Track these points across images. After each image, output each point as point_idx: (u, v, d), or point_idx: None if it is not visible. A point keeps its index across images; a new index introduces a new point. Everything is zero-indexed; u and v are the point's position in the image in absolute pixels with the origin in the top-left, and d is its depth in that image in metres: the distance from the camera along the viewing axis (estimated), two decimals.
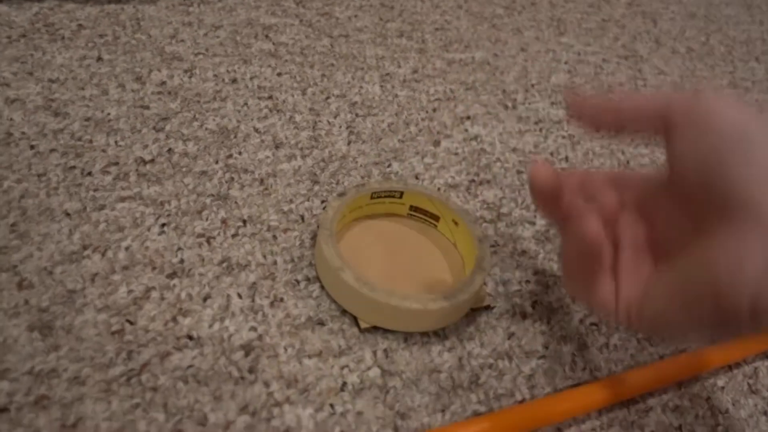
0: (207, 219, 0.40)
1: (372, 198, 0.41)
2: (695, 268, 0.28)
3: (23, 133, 0.43)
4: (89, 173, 0.41)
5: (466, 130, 0.53)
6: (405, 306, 0.34)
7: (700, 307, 0.28)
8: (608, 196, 0.35)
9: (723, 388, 0.38)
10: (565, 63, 0.65)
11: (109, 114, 0.46)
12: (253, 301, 0.36)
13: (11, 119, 0.44)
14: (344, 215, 0.39)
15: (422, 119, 0.53)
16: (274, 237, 0.40)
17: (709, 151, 0.28)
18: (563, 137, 0.55)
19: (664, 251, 0.32)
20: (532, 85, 0.60)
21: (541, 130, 0.55)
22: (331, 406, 0.32)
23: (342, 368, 0.34)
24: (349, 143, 0.48)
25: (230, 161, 0.44)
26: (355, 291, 0.34)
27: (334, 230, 0.37)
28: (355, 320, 0.36)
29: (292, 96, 0.51)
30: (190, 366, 0.33)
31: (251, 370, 0.33)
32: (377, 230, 0.41)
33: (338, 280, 0.35)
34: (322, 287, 0.37)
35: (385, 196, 0.41)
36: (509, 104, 0.57)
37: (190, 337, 0.34)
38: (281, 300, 0.37)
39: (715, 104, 0.28)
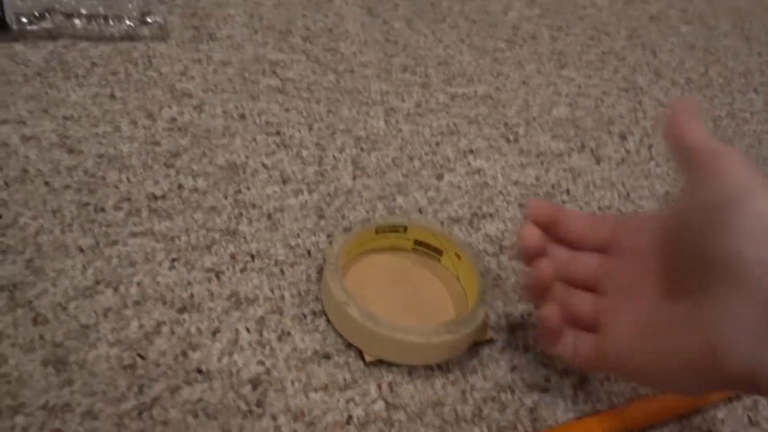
0: (216, 254, 0.41)
1: (377, 233, 0.42)
2: (684, 332, 0.28)
3: (38, 170, 0.44)
4: (102, 209, 0.42)
5: (469, 164, 0.54)
6: (409, 339, 0.35)
7: (691, 368, 0.28)
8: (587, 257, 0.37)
9: (723, 420, 0.39)
10: (566, 96, 0.66)
11: (121, 150, 0.47)
12: (261, 335, 0.37)
13: (27, 156, 0.45)
14: (349, 250, 0.40)
15: (426, 153, 0.54)
16: (282, 271, 0.41)
17: (707, 202, 0.29)
18: (564, 170, 0.56)
19: (650, 297, 0.33)
20: (534, 119, 0.61)
21: (542, 163, 0.56)
22: None
23: (348, 401, 0.35)
24: (354, 178, 0.49)
25: (239, 197, 0.45)
26: (360, 325, 0.35)
27: (339, 265, 0.38)
28: (360, 353, 0.37)
29: (299, 131, 0.53)
30: (200, 400, 0.33)
31: (259, 404, 0.34)
32: (382, 264, 0.42)
33: (343, 314, 0.36)
34: (328, 321, 0.38)
35: (390, 231, 0.42)
36: (511, 137, 0.58)
37: (200, 371, 0.35)
38: (288, 334, 0.38)
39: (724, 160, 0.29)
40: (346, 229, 0.40)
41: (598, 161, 0.58)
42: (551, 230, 0.37)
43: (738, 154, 0.29)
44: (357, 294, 0.39)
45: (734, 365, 0.26)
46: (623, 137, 0.62)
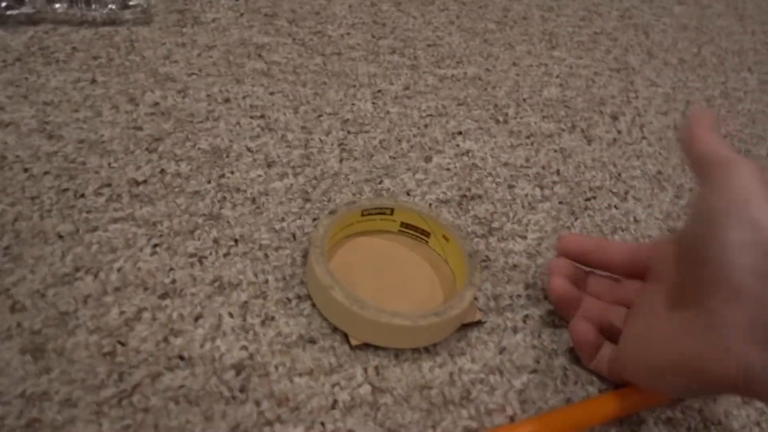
0: (199, 239, 0.40)
1: (363, 215, 0.41)
2: (684, 340, 0.29)
3: (17, 156, 0.43)
4: (82, 195, 0.41)
5: (458, 146, 0.53)
6: (395, 323, 0.34)
7: (690, 374, 0.29)
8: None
9: (715, 399, 0.38)
10: (557, 77, 0.66)
11: (102, 136, 0.46)
12: (244, 320, 0.36)
13: (5, 142, 0.44)
14: (335, 233, 0.40)
15: (414, 135, 0.53)
16: (266, 256, 0.40)
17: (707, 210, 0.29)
18: (555, 151, 0.55)
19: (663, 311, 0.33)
20: (524, 100, 0.61)
21: (532, 144, 0.55)
22: (322, 424, 0.33)
23: (333, 386, 0.34)
24: (341, 161, 0.49)
25: (222, 181, 0.45)
26: (345, 308, 0.35)
27: (325, 248, 0.37)
28: (346, 337, 0.36)
29: (285, 115, 0.52)
30: (182, 386, 0.33)
31: (242, 390, 0.33)
32: (368, 247, 0.42)
33: (329, 298, 0.35)
34: (313, 305, 0.38)
35: (376, 214, 0.41)
36: (501, 119, 0.57)
37: (182, 358, 0.34)
38: (272, 318, 0.37)
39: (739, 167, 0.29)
40: (332, 212, 0.40)
41: (589, 142, 0.57)
42: (587, 259, 0.40)
43: (750, 165, 0.29)
44: (343, 277, 0.39)
45: (729, 371, 0.27)
46: (615, 117, 0.61)
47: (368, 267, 0.40)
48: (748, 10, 0.92)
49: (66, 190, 0.42)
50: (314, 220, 0.43)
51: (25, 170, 0.42)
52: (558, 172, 0.53)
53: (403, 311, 0.35)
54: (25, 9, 0.56)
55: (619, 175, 0.54)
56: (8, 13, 0.55)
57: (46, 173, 0.42)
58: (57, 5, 0.56)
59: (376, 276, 0.40)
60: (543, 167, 0.53)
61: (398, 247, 0.42)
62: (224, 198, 0.43)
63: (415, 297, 0.39)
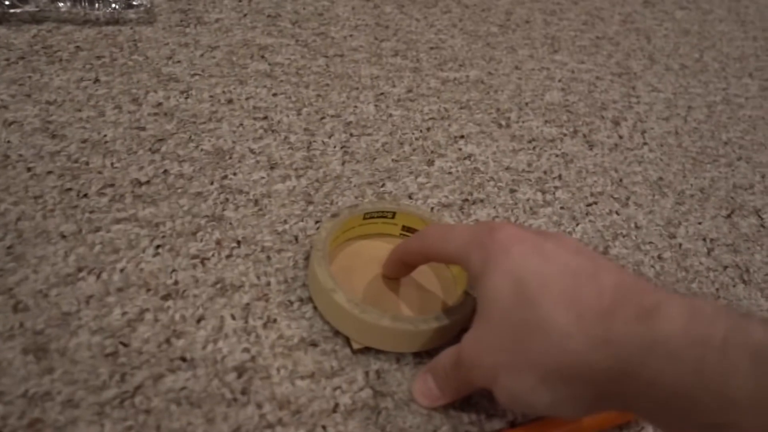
0: (201, 240, 0.40)
1: (364, 219, 0.41)
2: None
3: (20, 155, 0.43)
4: (85, 195, 0.42)
5: (460, 149, 0.53)
6: (396, 327, 0.34)
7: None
8: None
9: None
10: (559, 81, 0.66)
11: (105, 136, 0.46)
12: (246, 322, 0.37)
13: (9, 141, 0.44)
14: (337, 236, 0.40)
15: (416, 138, 0.53)
16: (268, 258, 0.40)
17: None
18: (556, 155, 0.55)
19: None
20: (526, 104, 0.61)
21: (534, 148, 0.55)
22: (323, 427, 0.33)
23: (334, 389, 0.34)
24: (343, 163, 0.49)
25: (225, 182, 0.45)
26: (346, 312, 0.35)
27: (326, 251, 0.37)
28: (347, 341, 0.36)
29: (287, 116, 0.52)
30: (183, 388, 0.33)
31: (244, 392, 0.33)
32: (370, 251, 0.42)
33: (330, 302, 0.35)
34: (315, 308, 0.38)
35: (378, 217, 0.41)
36: (503, 123, 0.57)
37: (184, 359, 0.34)
38: (274, 321, 0.37)
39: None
40: (334, 215, 0.40)
41: (591, 147, 0.57)
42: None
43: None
44: (344, 281, 0.39)
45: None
46: (616, 123, 0.61)
47: (370, 270, 0.40)
48: (750, 15, 0.92)
49: (69, 189, 0.42)
50: (316, 222, 0.43)
51: (29, 169, 0.42)
52: (560, 176, 0.53)
53: (405, 315, 0.35)
54: (29, 7, 0.56)
55: (621, 180, 0.54)
56: (12, 11, 0.55)
57: (49, 173, 0.42)
58: (60, 4, 0.56)
59: (377, 279, 0.40)
60: (545, 172, 0.53)
61: None
62: (227, 199, 0.43)
63: (416, 301, 0.39)
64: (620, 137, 0.60)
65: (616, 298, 0.27)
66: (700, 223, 0.52)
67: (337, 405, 0.34)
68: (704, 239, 0.51)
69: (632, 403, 0.26)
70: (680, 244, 0.49)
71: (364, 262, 0.41)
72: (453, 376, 0.33)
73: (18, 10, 0.55)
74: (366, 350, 0.36)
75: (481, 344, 0.31)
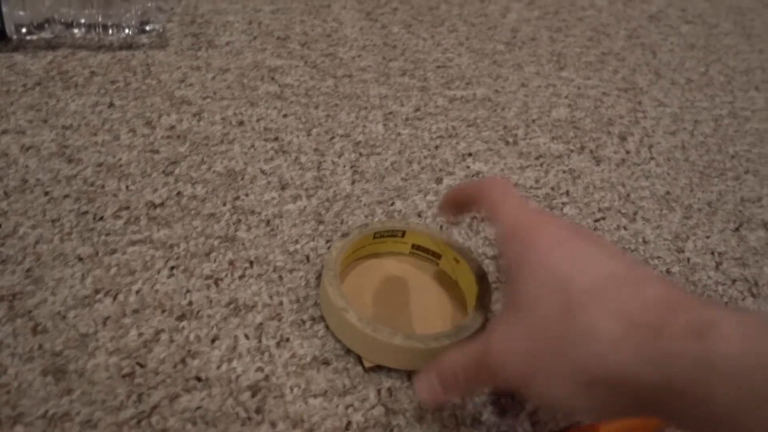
0: (215, 261, 0.41)
1: (374, 238, 0.42)
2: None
3: (38, 179, 0.44)
4: (101, 218, 0.42)
5: (468, 167, 0.54)
6: (408, 345, 0.35)
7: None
8: None
9: None
10: (566, 97, 0.66)
11: (120, 159, 0.47)
12: (259, 341, 0.37)
13: (26, 166, 0.45)
14: (347, 255, 0.40)
15: (425, 157, 0.54)
16: (280, 278, 0.41)
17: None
18: (564, 172, 0.56)
19: None
20: (533, 121, 0.61)
21: (542, 165, 0.56)
22: None
23: (347, 407, 0.35)
24: (353, 182, 0.49)
25: (237, 203, 0.46)
26: (358, 331, 0.35)
27: (338, 271, 0.38)
28: (359, 360, 0.37)
29: (298, 137, 0.53)
30: (199, 407, 0.33)
31: (258, 411, 0.34)
32: (380, 269, 0.42)
33: (342, 321, 0.36)
34: (327, 327, 0.38)
35: (388, 236, 0.42)
36: (510, 140, 0.58)
37: (199, 379, 0.35)
38: (287, 340, 0.38)
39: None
40: (344, 235, 0.40)
41: (598, 162, 0.58)
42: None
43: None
44: (355, 299, 0.39)
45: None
46: (623, 138, 0.62)
47: (380, 289, 0.41)
48: (756, 29, 0.93)
49: (85, 213, 0.43)
50: (327, 242, 0.44)
51: (46, 193, 0.43)
52: (567, 192, 0.53)
53: (416, 334, 0.36)
54: (45, 34, 0.57)
55: (628, 195, 0.55)
56: (28, 38, 0.57)
57: (66, 196, 0.43)
58: (75, 30, 0.58)
59: (388, 298, 0.41)
60: (552, 188, 0.54)
61: (410, 269, 0.43)
62: (239, 220, 0.44)
63: (427, 319, 0.40)
64: (627, 152, 0.60)
65: (666, 312, 0.27)
66: (708, 237, 0.52)
67: (349, 423, 0.34)
68: (712, 253, 0.51)
69: (677, 415, 0.26)
70: (688, 258, 0.50)
71: (375, 281, 0.41)
72: (473, 376, 0.32)
73: (34, 37, 0.57)
74: (377, 368, 0.37)
75: (517, 348, 0.30)
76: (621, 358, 0.27)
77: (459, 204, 0.39)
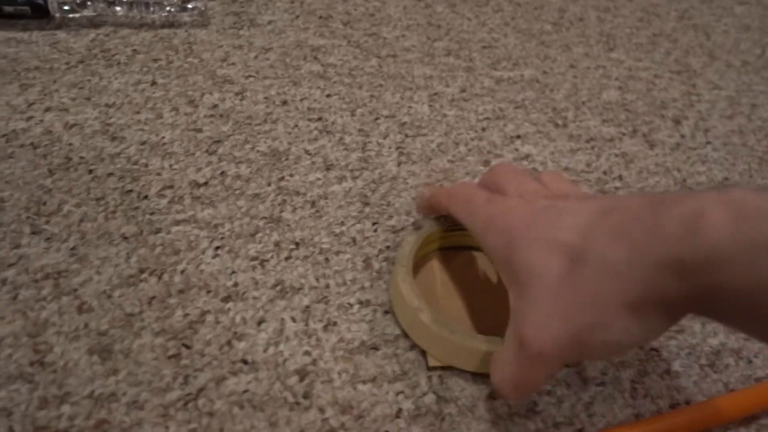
0: (260, 242, 0.40)
1: (444, 231, 0.40)
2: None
3: (82, 157, 0.44)
4: (145, 197, 0.42)
5: (517, 150, 0.52)
6: (486, 349, 0.33)
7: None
8: None
9: None
10: (616, 79, 0.64)
11: (163, 137, 0.46)
12: (306, 325, 0.36)
13: (70, 144, 0.45)
14: (418, 249, 0.39)
15: (471, 139, 0.52)
16: (327, 260, 0.40)
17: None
18: (616, 155, 0.54)
19: None
20: (583, 103, 0.59)
21: (593, 148, 0.54)
22: None
23: (397, 394, 0.34)
24: (399, 164, 0.48)
25: (282, 183, 0.44)
26: (433, 332, 0.34)
27: (410, 267, 0.36)
28: (423, 354, 0.35)
29: (342, 117, 0.51)
30: (246, 391, 0.33)
31: (306, 396, 0.33)
32: (451, 264, 0.41)
33: (416, 321, 0.34)
34: (375, 311, 0.37)
35: (457, 229, 0.40)
36: (560, 122, 0.56)
37: (245, 362, 0.34)
38: (335, 324, 0.36)
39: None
40: (416, 228, 0.39)
41: (652, 146, 0.56)
42: None
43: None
44: (425, 296, 0.37)
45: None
46: (677, 121, 0.59)
47: (450, 286, 0.39)
48: None
49: (130, 191, 0.42)
50: (374, 224, 0.43)
51: (90, 171, 0.43)
52: (620, 177, 0.51)
53: (495, 337, 0.34)
54: (87, 12, 0.56)
55: (684, 180, 0.52)
56: (71, 16, 0.56)
57: (110, 174, 0.43)
58: (117, 8, 0.57)
59: (458, 295, 0.39)
60: (604, 172, 0.52)
61: (481, 264, 0.41)
62: (284, 201, 0.43)
63: (495, 317, 0.38)
64: (682, 136, 0.58)
65: (656, 213, 0.26)
66: None
67: (400, 410, 0.33)
68: None
69: (714, 315, 0.26)
70: None
71: (445, 277, 0.40)
72: (527, 383, 0.30)
73: (76, 15, 0.56)
74: (443, 368, 0.35)
75: (553, 325, 0.28)
76: (640, 275, 0.26)
77: (434, 210, 0.40)
